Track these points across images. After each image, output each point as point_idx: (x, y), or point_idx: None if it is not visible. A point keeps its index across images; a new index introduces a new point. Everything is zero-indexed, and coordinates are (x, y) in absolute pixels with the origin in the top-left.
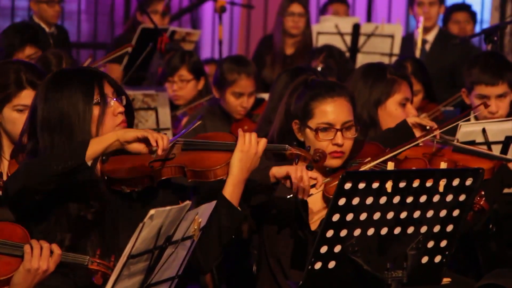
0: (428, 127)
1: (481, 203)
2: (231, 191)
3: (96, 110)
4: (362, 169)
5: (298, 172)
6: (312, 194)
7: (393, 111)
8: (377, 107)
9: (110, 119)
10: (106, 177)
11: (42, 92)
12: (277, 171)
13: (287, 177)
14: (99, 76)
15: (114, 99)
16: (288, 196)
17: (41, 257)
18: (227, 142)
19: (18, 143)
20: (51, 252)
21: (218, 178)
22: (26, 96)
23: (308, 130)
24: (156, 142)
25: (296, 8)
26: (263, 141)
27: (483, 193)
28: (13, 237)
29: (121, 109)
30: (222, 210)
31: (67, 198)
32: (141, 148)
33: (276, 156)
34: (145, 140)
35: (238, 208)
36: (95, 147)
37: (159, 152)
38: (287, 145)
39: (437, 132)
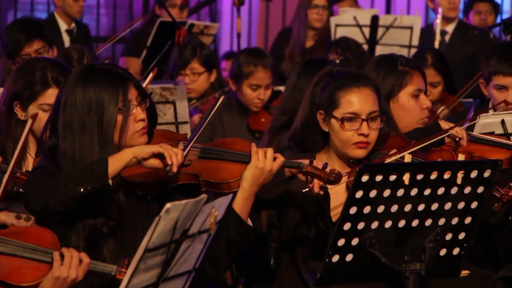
0: (457, 139)
1: (510, 194)
2: (241, 204)
3: (119, 117)
4: (386, 161)
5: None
6: (333, 187)
7: (406, 103)
8: (389, 100)
9: (130, 125)
10: (122, 181)
11: (68, 88)
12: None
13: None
14: (125, 80)
15: (137, 104)
16: (304, 190)
17: (71, 265)
18: (245, 153)
19: (40, 137)
20: (80, 260)
21: (232, 190)
22: (52, 95)
23: (333, 120)
24: (171, 159)
25: (320, 0)
26: (279, 160)
27: (511, 184)
28: (43, 243)
29: (143, 116)
30: (232, 223)
31: (85, 209)
32: (156, 164)
33: (299, 148)
34: (160, 156)
35: (248, 222)
36: (114, 166)
37: (174, 169)
38: (303, 163)
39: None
